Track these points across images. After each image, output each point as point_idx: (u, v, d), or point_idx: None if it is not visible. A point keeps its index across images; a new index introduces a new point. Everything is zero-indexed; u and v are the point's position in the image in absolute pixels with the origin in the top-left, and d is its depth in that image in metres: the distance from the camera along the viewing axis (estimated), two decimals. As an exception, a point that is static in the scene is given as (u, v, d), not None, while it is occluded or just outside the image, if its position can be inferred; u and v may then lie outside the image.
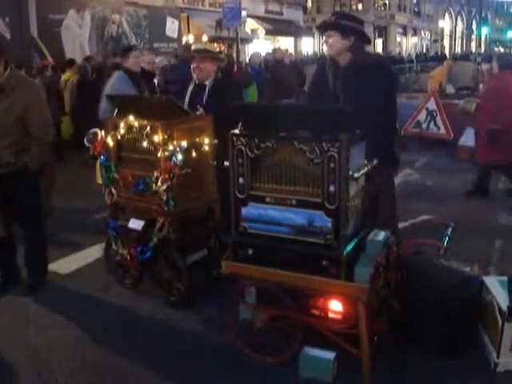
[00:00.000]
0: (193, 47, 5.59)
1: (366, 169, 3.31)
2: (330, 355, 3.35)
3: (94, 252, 5.32)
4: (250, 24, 31.29)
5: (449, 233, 3.94)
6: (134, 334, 3.96)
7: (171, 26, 25.78)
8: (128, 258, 4.45)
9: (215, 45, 26.68)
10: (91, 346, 3.82)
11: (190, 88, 5.02)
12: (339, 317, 3.40)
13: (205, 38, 27.74)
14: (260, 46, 26.06)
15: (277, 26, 32.21)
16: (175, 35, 26.16)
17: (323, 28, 4.13)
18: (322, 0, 49.26)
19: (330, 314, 3.43)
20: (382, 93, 3.88)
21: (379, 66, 4.19)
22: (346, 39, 3.94)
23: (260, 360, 3.53)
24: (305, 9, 39.29)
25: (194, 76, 5.00)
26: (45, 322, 4.15)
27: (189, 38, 27.24)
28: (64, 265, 5.18)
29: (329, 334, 3.38)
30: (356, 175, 3.13)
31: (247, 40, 28.25)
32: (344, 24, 3.96)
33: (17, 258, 4.74)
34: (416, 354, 3.55)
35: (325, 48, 4.05)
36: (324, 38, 4.05)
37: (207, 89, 4.93)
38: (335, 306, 3.38)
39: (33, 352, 3.77)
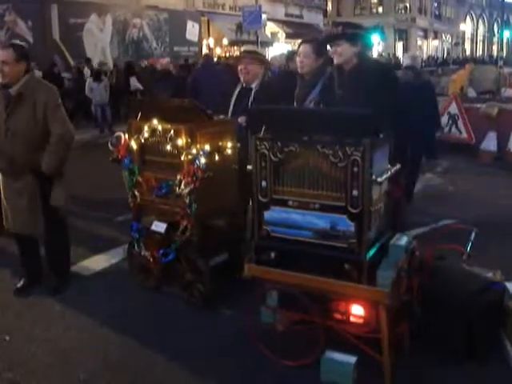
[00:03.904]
0: (243, 48, 5.64)
1: (389, 173, 3.32)
2: (351, 359, 3.34)
3: (117, 254, 5.39)
4: (270, 27, 31.39)
5: (472, 238, 3.90)
6: (154, 334, 3.99)
7: (192, 30, 25.94)
8: (150, 259, 4.50)
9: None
10: (113, 347, 3.86)
11: (236, 91, 5.03)
12: (361, 321, 3.40)
13: (225, 41, 27.87)
14: (280, 49, 26.09)
15: (297, 30, 32.25)
16: (196, 39, 26.32)
17: (332, 39, 4.27)
18: (342, 3, 49.25)
19: (352, 318, 3.43)
20: (385, 95, 3.95)
21: (384, 71, 4.39)
22: (354, 46, 4.12)
23: (281, 363, 3.54)
24: (325, 12, 39.33)
25: (241, 78, 5.00)
26: (68, 323, 4.20)
27: (209, 42, 27.38)
28: (87, 266, 5.24)
29: (350, 338, 3.38)
30: (379, 179, 3.13)
31: (267, 43, 28.35)
32: (352, 32, 4.16)
33: (40, 260, 4.80)
34: (438, 360, 3.54)
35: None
36: (332, 47, 4.23)
37: (253, 92, 4.93)
38: (357, 310, 3.38)
39: (56, 352, 3.83)
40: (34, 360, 3.73)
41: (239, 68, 4.97)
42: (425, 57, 46.22)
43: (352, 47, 4.11)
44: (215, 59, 17.83)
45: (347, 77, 4.18)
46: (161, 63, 10.23)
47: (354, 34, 4.16)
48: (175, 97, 8.50)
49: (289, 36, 32.47)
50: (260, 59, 5.03)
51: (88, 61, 17.81)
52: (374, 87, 3.89)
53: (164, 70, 11.25)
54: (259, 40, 23.43)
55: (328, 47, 4.43)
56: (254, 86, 4.94)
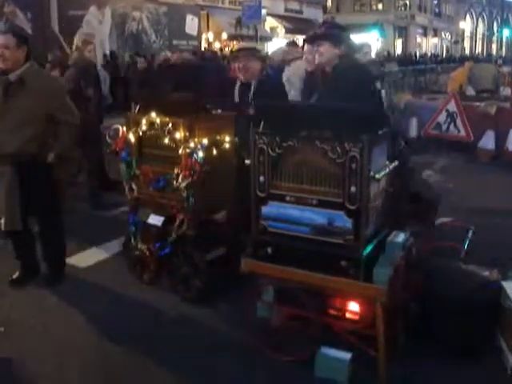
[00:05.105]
0: (239, 46, 5.58)
1: (387, 170, 3.31)
2: (346, 356, 3.33)
3: (113, 247, 5.36)
4: (270, 22, 31.32)
5: (469, 236, 3.91)
6: (150, 329, 3.99)
7: (191, 24, 25.86)
8: (147, 253, 4.49)
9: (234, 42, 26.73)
10: (108, 340, 3.85)
11: (237, 86, 5.00)
12: (357, 317, 3.40)
13: (224, 35, 27.78)
14: (279, 44, 26.04)
15: (296, 25, 32.18)
16: (195, 33, 26.24)
17: (314, 39, 4.27)
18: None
19: (348, 315, 3.43)
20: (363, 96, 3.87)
21: (359, 74, 4.23)
22: (337, 48, 4.09)
23: (277, 358, 3.53)
24: (324, 8, 39.23)
25: (240, 75, 4.95)
26: (63, 316, 4.19)
27: (208, 36, 27.30)
28: (83, 258, 5.22)
29: (346, 334, 3.38)
30: (377, 176, 3.13)
31: (266, 38, 28.25)
32: (335, 33, 4.16)
33: (35, 252, 4.77)
34: (432, 357, 3.53)
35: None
36: (314, 47, 4.20)
37: (252, 87, 4.88)
38: (353, 307, 3.39)
39: (51, 344, 3.81)
40: (30, 353, 3.71)
41: (237, 66, 4.93)
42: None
43: (334, 48, 4.08)
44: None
45: (326, 79, 4.17)
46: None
47: (336, 35, 4.16)
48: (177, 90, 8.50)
49: (288, 31, 32.38)
50: (258, 56, 5.00)
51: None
52: (347, 93, 3.77)
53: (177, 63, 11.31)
54: (258, 35, 23.40)
55: None
56: (252, 81, 4.91)
